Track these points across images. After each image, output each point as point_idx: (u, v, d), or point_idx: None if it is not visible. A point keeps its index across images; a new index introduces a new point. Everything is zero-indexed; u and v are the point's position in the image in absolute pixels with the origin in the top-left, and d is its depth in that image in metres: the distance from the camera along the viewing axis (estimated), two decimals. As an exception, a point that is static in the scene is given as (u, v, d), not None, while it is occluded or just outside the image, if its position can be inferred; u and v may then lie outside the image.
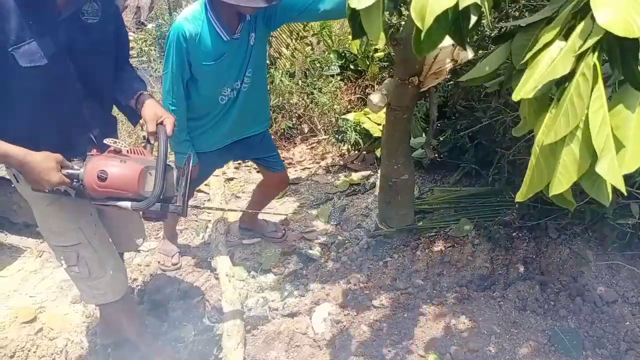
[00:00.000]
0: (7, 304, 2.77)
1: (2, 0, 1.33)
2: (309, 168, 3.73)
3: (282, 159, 3.73)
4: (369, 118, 3.28)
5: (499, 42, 1.35)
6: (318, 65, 3.94)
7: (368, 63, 3.72)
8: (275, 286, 2.68)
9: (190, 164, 1.63)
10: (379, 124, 3.30)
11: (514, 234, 2.46)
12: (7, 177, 2.24)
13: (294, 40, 4.08)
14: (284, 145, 4.10)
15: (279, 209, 3.26)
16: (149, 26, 8.61)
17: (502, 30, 2.44)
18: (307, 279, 2.67)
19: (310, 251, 2.87)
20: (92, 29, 1.56)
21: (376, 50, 3.75)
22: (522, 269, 2.26)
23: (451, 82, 2.71)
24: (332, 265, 2.70)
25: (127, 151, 1.58)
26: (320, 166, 3.72)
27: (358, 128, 3.31)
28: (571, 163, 1.00)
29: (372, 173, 3.43)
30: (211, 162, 2.50)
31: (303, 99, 3.98)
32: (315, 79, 3.93)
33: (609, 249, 2.21)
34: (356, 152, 3.66)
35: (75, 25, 1.51)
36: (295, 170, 3.80)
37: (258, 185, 2.94)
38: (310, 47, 4.01)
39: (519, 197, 1.07)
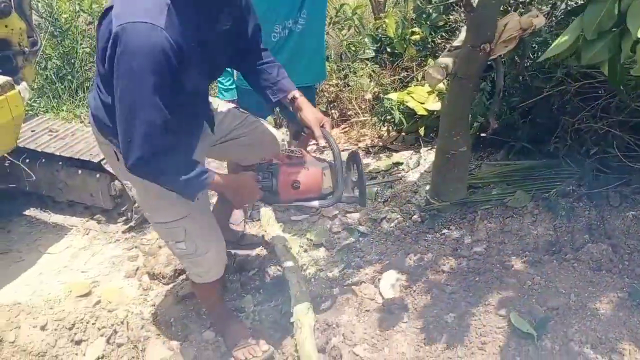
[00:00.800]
0: (59, 279, 2.77)
1: (175, 43, 1.35)
2: (348, 149, 3.74)
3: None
4: (412, 97, 3.30)
5: (572, 15, 1.40)
6: (353, 49, 3.96)
7: (405, 46, 3.74)
8: (329, 259, 2.68)
9: (360, 161, 1.80)
10: (422, 103, 3.32)
11: (574, 204, 2.47)
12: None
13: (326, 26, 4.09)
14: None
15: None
16: None
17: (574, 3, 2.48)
18: (362, 251, 2.67)
19: (361, 227, 2.88)
20: (232, 35, 1.65)
21: (413, 33, 3.77)
22: (587, 235, 2.28)
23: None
24: (386, 239, 2.71)
25: (297, 157, 1.78)
26: (359, 147, 3.73)
27: (401, 107, 3.32)
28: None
29: (414, 152, 3.45)
30: (254, 105, 2.32)
31: (337, 83, 4.00)
32: (350, 62, 3.94)
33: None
34: (395, 133, 3.67)
35: (221, 40, 1.61)
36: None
37: None
38: (345, 30, 4.03)
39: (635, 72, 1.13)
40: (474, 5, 2.06)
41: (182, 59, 1.39)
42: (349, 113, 4.04)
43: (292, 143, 1.92)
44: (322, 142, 1.76)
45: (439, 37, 3.71)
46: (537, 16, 2.10)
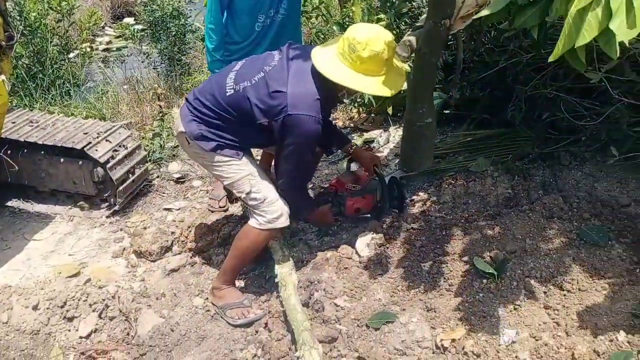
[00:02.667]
0: (47, 263, 2.86)
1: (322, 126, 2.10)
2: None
3: None
4: None
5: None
6: (322, 36, 4.13)
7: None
8: (308, 230, 2.85)
9: (399, 182, 2.71)
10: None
11: (530, 165, 2.71)
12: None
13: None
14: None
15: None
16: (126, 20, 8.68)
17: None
18: (338, 221, 2.84)
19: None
20: None
21: (379, 20, 3.96)
22: (541, 191, 2.50)
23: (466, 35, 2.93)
24: (359, 208, 2.88)
25: (352, 186, 2.58)
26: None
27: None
28: (594, 21, 1.32)
29: (384, 131, 3.64)
30: None
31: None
32: (319, 49, 4.11)
33: (616, 168, 2.48)
34: (365, 114, 3.86)
35: None
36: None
37: None
38: (314, 19, 4.20)
39: (552, 58, 1.34)
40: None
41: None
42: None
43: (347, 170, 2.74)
44: (372, 175, 2.59)
45: (403, 23, 3.91)
46: (487, -8, 2.30)
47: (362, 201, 2.58)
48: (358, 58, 1.99)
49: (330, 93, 2.12)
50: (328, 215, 2.59)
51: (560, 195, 2.39)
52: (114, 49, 7.75)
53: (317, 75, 2.05)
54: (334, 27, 4.17)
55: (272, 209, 2.25)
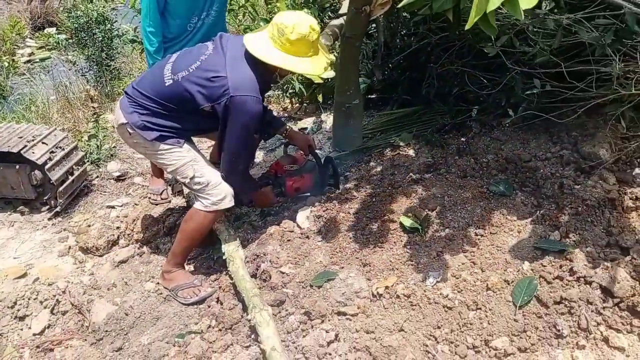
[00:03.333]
0: (-9, 267, 2.84)
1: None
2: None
3: None
4: None
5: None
6: (250, 31, 4.28)
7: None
8: (251, 214, 3.01)
9: (334, 161, 2.82)
10: (317, 74, 3.72)
11: (446, 136, 3.01)
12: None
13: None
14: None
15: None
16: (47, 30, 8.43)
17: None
18: (280, 201, 3.02)
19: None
20: None
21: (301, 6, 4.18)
22: (457, 156, 2.81)
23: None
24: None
25: (295, 165, 2.80)
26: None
27: (300, 78, 3.71)
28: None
29: (316, 118, 3.86)
30: None
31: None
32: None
33: (519, 131, 2.82)
34: (298, 104, 4.06)
35: None
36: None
37: None
38: (241, 16, 4.35)
39: (468, 25, 1.57)
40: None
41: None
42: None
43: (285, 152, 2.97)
44: (309, 156, 2.78)
45: (327, 17, 4.15)
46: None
47: (301, 180, 2.76)
48: (287, 41, 2.16)
49: (265, 76, 2.27)
50: (270, 195, 2.74)
51: (472, 158, 2.70)
52: (37, 60, 7.52)
53: (251, 60, 2.20)
54: (261, 24, 4.35)
55: (216, 192, 2.39)
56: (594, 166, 2.41)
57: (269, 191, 2.75)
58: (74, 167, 3.21)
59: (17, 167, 3.03)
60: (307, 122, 3.87)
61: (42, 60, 7.45)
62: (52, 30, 8.49)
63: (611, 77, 2.03)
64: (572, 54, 2.24)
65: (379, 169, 2.94)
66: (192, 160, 2.40)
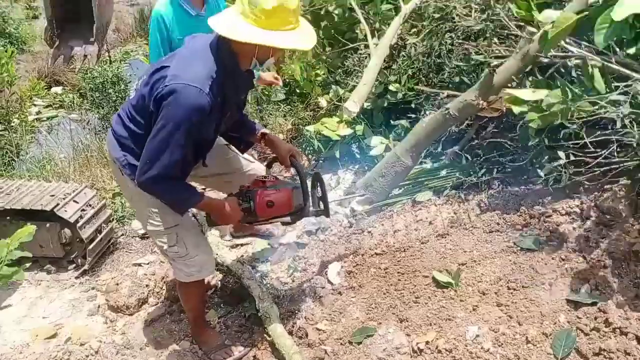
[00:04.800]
0: (21, 327, 2.85)
1: (212, 104, 1.83)
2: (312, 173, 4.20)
3: None
4: (326, 127, 3.85)
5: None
6: (267, 93, 4.49)
7: (312, 86, 4.35)
8: (277, 270, 3.07)
9: (323, 180, 2.29)
10: (334, 131, 3.88)
11: (466, 191, 3.13)
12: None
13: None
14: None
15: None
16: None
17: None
18: (304, 258, 3.09)
19: (299, 240, 3.31)
20: (240, 101, 2.16)
21: (317, 75, 4.40)
22: (478, 210, 2.92)
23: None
24: (323, 245, 3.16)
25: (270, 181, 2.23)
26: (285, 177, 4.20)
27: (318, 136, 3.87)
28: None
29: (333, 174, 3.98)
30: None
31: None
32: (265, 105, 4.47)
33: (538, 187, 2.96)
34: (314, 161, 4.20)
35: (236, 102, 2.10)
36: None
37: None
38: (257, 78, 4.56)
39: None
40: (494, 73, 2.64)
41: (211, 115, 1.86)
42: (269, 150, 4.53)
43: (267, 172, 2.43)
44: (287, 168, 2.30)
45: (338, 75, 4.37)
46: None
47: (276, 194, 2.15)
48: (262, 12, 1.74)
49: (233, 66, 1.88)
50: (232, 208, 2.09)
51: (495, 214, 2.81)
52: (44, 118, 7.68)
53: (215, 48, 1.86)
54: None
55: (191, 263, 2.21)
56: (615, 220, 2.53)
57: (232, 202, 2.11)
58: (102, 224, 3.28)
59: (48, 225, 3.09)
60: (325, 178, 3.99)
61: (49, 118, 7.62)
62: (59, 89, 8.71)
63: (632, 143, 2.18)
64: (593, 122, 2.40)
65: (402, 223, 3.04)
66: (178, 224, 2.14)
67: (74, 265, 3.25)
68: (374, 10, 3.94)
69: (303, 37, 1.84)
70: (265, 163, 2.51)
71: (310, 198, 2.17)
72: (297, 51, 4.46)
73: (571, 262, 2.36)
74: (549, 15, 2.33)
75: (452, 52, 3.33)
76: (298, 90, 4.44)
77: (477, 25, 3.13)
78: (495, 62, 2.83)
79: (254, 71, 2.08)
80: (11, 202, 3.04)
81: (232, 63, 1.88)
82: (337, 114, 3.74)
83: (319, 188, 2.28)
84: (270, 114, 4.42)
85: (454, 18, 3.38)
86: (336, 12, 4.15)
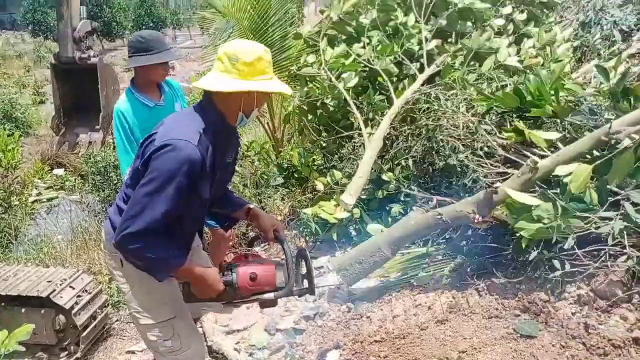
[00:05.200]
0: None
1: (204, 158, 1.81)
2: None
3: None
4: (323, 210, 3.92)
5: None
6: (265, 177, 4.62)
7: (310, 170, 4.48)
8: (274, 358, 3.01)
9: (308, 255, 2.15)
10: (331, 214, 3.94)
11: (465, 276, 3.15)
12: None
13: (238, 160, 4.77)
14: (239, 251, 4.55)
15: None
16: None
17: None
18: (302, 345, 3.04)
19: (296, 326, 3.26)
20: (227, 169, 2.14)
21: (314, 161, 4.56)
22: (477, 296, 2.92)
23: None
24: (321, 331, 3.12)
25: (252, 256, 2.15)
26: (281, 259, 4.21)
27: (315, 219, 3.93)
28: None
29: (330, 256, 4.00)
30: None
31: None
32: (264, 188, 4.58)
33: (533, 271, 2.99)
34: (312, 242, 4.23)
35: (226, 165, 2.08)
36: (257, 269, 4.22)
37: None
38: (255, 163, 4.72)
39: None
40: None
41: (202, 172, 1.83)
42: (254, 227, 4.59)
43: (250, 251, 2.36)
44: (272, 242, 2.21)
45: (335, 161, 4.51)
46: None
47: (260, 268, 2.05)
48: (244, 65, 1.83)
49: (220, 123, 1.92)
50: (214, 278, 1.96)
51: (493, 299, 2.81)
52: (44, 200, 7.76)
53: (200, 110, 1.92)
54: (275, 169, 4.71)
55: (182, 358, 2.12)
56: (611, 304, 2.54)
57: (212, 273, 1.98)
58: (97, 310, 3.24)
59: (42, 311, 3.05)
60: (322, 261, 4.00)
61: (49, 200, 7.70)
62: (61, 171, 8.87)
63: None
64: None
65: (401, 308, 3.02)
66: (175, 316, 2.08)
67: (66, 352, 3.17)
68: (368, 100, 4.16)
69: (282, 85, 1.95)
70: (248, 241, 2.43)
71: (294, 275, 2.05)
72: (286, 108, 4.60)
73: (571, 349, 2.34)
74: (565, 169, 2.53)
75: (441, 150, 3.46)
76: (296, 175, 4.57)
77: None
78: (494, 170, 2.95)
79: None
80: (7, 288, 3.03)
81: (219, 121, 1.92)
82: (334, 197, 3.83)
83: (304, 265, 2.16)
84: (269, 197, 4.52)
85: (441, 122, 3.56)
86: (331, 103, 4.38)
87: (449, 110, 3.45)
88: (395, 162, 3.75)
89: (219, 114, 1.91)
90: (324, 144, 4.59)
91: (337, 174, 4.07)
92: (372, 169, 3.77)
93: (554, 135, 2.95)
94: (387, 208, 3.76)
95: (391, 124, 3.90)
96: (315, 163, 4.53)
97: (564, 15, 5.65)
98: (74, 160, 8.51)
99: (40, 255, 4.68)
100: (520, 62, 4.03)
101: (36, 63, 18.42)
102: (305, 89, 4.47)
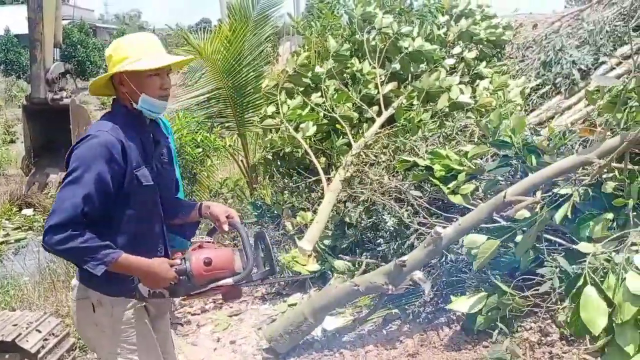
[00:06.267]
0: None
1: (123, 142, 1.85)
2: (245, 301, 4.18)
3: (212, 301, 4.17)
4: (297, 262, 3.85)
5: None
6: (240, 213, 4.63)
7: (282, 208, 4.53)
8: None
9: (267, 237, 2.05)
10: (304, 265, 3.93)
11: (428, 315, 3.20)
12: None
13: (212, 197, 4.79)
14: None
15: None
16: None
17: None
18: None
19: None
20: (165, 167, 2.10)
21: (285, 201, 4.59)
22: (447, 328, 2.97)
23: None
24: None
25: (206, 244, 1.98)
26: (255, 298, 4.19)
27: (290, 263, 3.91)
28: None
29: (304, 293, 4.01)
30: None
31: (228, 245, 4.56)
32: (238, 227, 4.59)
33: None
34: (284, 283, 4.23)
35: (158, 161, 2.05)
36: (231, 307, 4.18)
37: None
38: (230, 200, 4.75)
39: None
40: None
41: (126, 155, 1.84)
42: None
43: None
44: (227, 229, 2.03)
45: (304, 200, 4.56)
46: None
47: (214, 252, 1.93)
48: (107, 60, 1.96)
49: (125, 109, 1.96)
50: (164, 268, 1.86)
51: (462, 330, 2.87)
52: (12, 241, 7.57)
53: (109, 113, 2.01)
54: (249, 207, 4.74)
55: None
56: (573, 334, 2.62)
57: (160, 262, 1.88)
58: (64, 354, 3.16)
59: (7, 356, 2.96)
60: (296, 298, 4.01)
61: (17, 241, 7.51)
62: (29, 211, 8.68)
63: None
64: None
65: (373, 343, 3.06)
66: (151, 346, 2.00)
67: (31, 399, 3.06)
68: (331, 145, 4.33)
69: (171, 57, 1.95)
70: (206, 233, 2.24)
71: (252, 258, 1.90)
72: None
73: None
74: (474, 240, 2.70)
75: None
76: (268, 214, 4.60)
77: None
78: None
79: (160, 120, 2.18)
80: (-29, 333, 2.94)
81: (123, 109, 1.96)
82: (294, 250, 3.87)
83: (262, 247, 2.04)
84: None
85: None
86: (294, 152, 4.53)
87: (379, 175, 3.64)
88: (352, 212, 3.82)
89: (121, 106, 1.97)
90: (293, 187, 4.65)
91: (307, 216, 4.13)
92: (336, 212, 3.86)
93: (469, 188, 3.08)
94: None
95: (353, 165, 4.04)
96: (287, 202, 4.58)
97: (526, 54, 5.93)
98: (43, 200, 8.36)
99: (6, 298, 4.55)
100: (475, 101, 4.24)
101: (7, 102, 18.24)
102: (268, 138, 4.64)
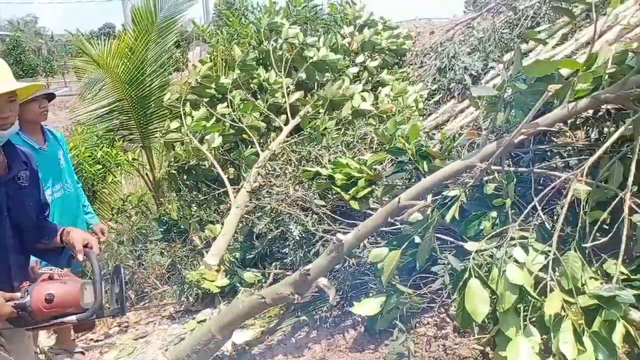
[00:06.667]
0: None
1: None
2: (152, 321, 4.02)
3: (117, 324, 3.99)
4: (204, 278, 3.76)
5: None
6: (144, 232, 4.47)
7: (189, 222, 4.43)
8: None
9: (122, 273, 1.97)
10: (212, 281, 3.86)
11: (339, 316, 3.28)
12: None
13: (115, 215, 4.58)
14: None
15: None
16: None
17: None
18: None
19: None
20: (24, 191, 1.99)
21: (192, 216, 4.50)
22: (353, 332, 3.06)
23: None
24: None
25: (58, 275, 1.89)
26: (162, 318, 4.05)
27: (197, 284, 3.82)
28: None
29: (214, 308, 3.94)
30: None
31: (132, 265, 4.38)
32: (142, 244, 4.42)
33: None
34: (193, 300, 4.12)
35: (12, 187, 1.94)
36: (137, 330, 4.01)
37: None
38: (134, 217, 4.55)
39: None
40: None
41: None
42: (146, 290, 4.40)
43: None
44: (81, 258, 1.94)
45: (213, 213, 4.48)
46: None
47: (61, 287, 1.81)
48: None
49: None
50: (0, 304, 1.72)
51: (366, 333, 2.96)
52: None
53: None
54: (154, 223, 4.59)
55: None
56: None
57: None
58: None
59: None
60: (206, 314, 3.93)
61: None
62: None
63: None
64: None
65: (282, 352, 3.07)
66: None
67: None
68: (239, 155, 4.32)
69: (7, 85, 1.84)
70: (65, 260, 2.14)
71: (101, 294, 1.81)
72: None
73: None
74: (377, 254, 2.80)
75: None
76: (175, 229, 4.48)
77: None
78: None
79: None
80: None
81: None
82: (201, 267, 3.81)
83: (117, 283, 1.95)
84: (146, 251, 4.36)
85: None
86: (200, 164, 4.49)
87: (284, 185, 3.70)
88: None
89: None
90: (200, 201, 4.57)
91: (216, 229, 4.08)
92: (245, 224, 3.84)
93: (364, 192, 3.24)
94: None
95: (260, 177, 4.05)
96: (195, 216, 4.49)
97: (424, 61, 6.25)
98: None
99: None
100: (377, 108, 4.42)
101: None
102: (172, 153, 4.55)
